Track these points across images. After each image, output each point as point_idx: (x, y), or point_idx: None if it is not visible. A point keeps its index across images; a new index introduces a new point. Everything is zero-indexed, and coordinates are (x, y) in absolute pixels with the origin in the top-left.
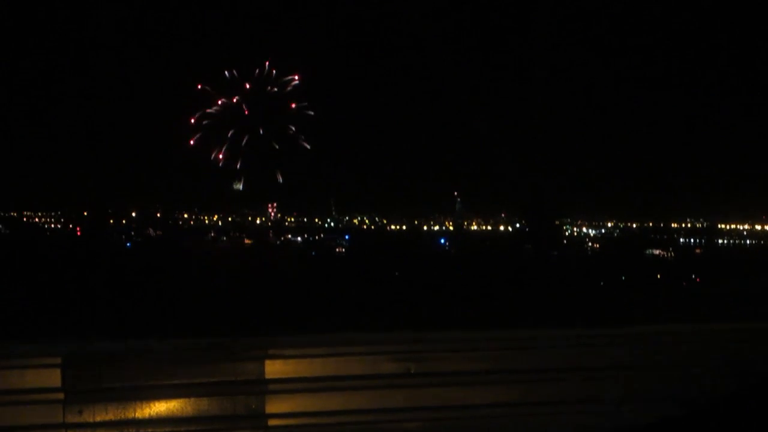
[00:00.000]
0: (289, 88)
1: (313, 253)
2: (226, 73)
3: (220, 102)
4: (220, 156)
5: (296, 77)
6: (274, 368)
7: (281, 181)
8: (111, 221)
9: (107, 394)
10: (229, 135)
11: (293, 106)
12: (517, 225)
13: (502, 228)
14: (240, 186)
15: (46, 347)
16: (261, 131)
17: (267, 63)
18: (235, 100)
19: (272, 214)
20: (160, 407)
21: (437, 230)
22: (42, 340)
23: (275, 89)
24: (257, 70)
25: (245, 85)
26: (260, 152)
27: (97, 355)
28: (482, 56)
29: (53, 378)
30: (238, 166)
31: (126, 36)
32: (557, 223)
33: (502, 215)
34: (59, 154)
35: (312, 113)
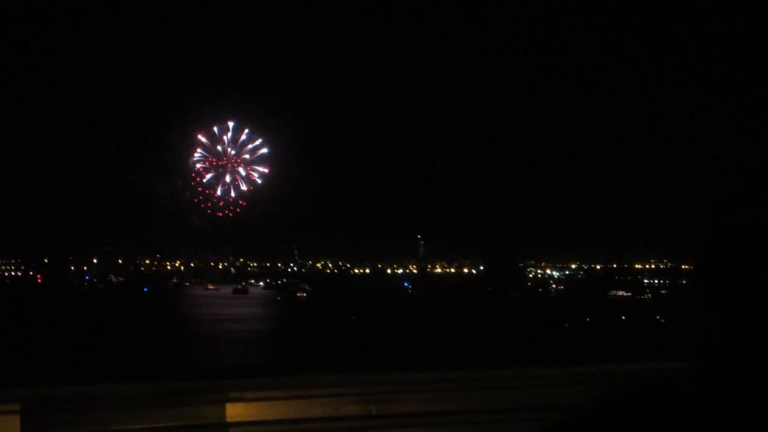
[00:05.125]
0: (256, 150)
1: (279, 298)
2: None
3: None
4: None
5: (261, 141)
6: (235, 411)
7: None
8: (72, 268)
9: None
10: (205, 179)
11: (247, 150)
12: (481, 267)
13: (466, 270)
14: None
15: (5, 394)
16: (227, 179)
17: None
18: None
19: (233, 259)
20: None
21: (401, 273)
22: (1, 387)
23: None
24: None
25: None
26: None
27: (58, 400)
28: (443, 100)
29: (12, 425)
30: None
31: (90, 79)
32: (521, 265)
33: (465, 258)
34: (20, 201)
35: (266, 150)
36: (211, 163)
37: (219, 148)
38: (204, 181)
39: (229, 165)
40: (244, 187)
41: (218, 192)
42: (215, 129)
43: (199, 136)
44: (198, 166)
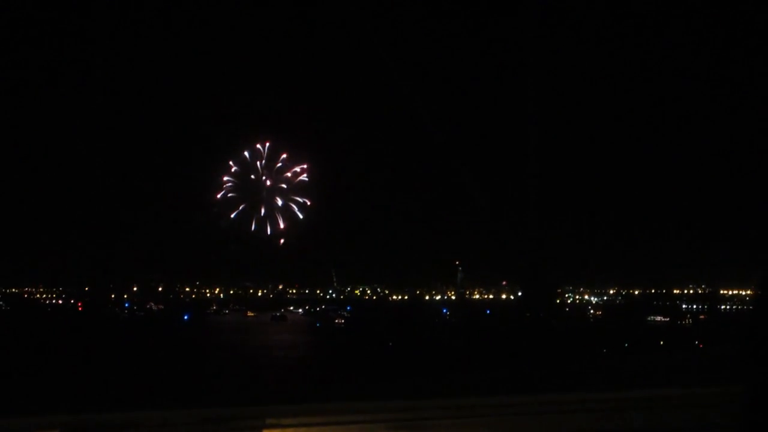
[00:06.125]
0: (295, 178)
1: (318, 324)
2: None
3: (225, 178)
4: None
5: (299, 168)
6: None
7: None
8: (112, 296)
9: None
10: (240, 208)
11: (289, 175)
12: (519, 293)
13: (504, 296)
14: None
15: (44, 419)
16: (262, 209)
17: (267, 143)
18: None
19: (272, 286)
20: None
21: (439, 299)
22: (40, 412)
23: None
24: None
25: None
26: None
27: (95, 426)
28: (481, 127)
29: None
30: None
31: (124, 108)
32: (559, 291)
33: (504, 284)
34: (60, 230)
35: (306, 179)
36: (243, 193)
37: (252, 176)
38: (233, 216)
39: (264, 193)
40: (281, 224)
41: (252, 226)
42: (246, 154)
43: (231, 163)
44: (229, 195)
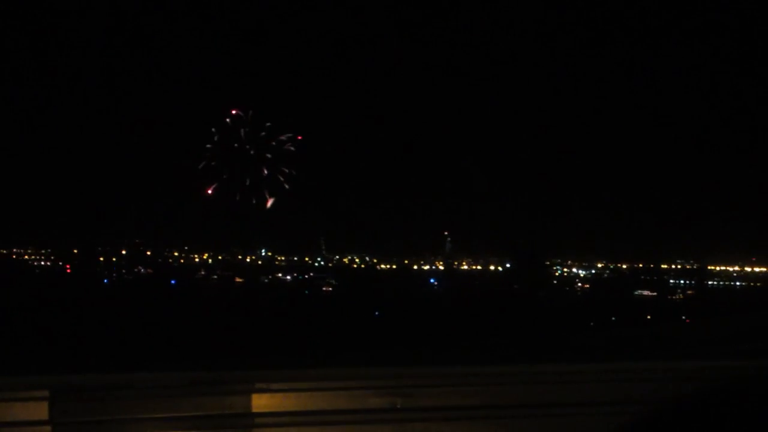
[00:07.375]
0: (281, 146)
1: (306, 292)
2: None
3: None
4: (209, 191)
5: (286, 136)
6: (260, 402)
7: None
8: (101, 259)
9: (95, 427)
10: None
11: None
12: (508, 265)
13: (492, 268)
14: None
15: (34, 380)
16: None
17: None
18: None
19: (261, 253)
20: None
21: (427, 270)
22: (30, 373)
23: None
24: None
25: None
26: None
27: (85, 388)
28: (472, 98)
29: (41, 411)
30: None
31: (114, 73)
32: (547, 263)
33: (492, 255)
34: (49, 190)
35: (293, 149)
36: (227, 161)
37: (236, 144)
38: (215, 186)
39: (249, 163)
40: (267, 193)
41: (237, 196)
42: (228, 121)
43: (213, 130)
44: (212, 163)
